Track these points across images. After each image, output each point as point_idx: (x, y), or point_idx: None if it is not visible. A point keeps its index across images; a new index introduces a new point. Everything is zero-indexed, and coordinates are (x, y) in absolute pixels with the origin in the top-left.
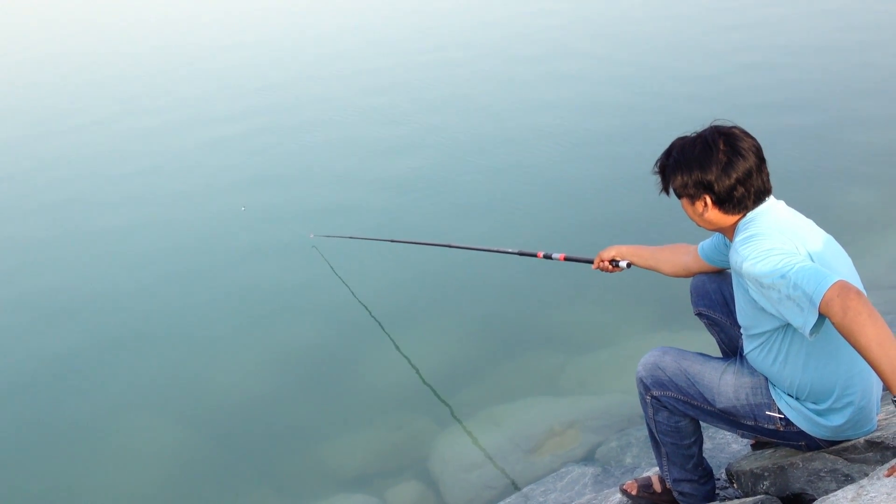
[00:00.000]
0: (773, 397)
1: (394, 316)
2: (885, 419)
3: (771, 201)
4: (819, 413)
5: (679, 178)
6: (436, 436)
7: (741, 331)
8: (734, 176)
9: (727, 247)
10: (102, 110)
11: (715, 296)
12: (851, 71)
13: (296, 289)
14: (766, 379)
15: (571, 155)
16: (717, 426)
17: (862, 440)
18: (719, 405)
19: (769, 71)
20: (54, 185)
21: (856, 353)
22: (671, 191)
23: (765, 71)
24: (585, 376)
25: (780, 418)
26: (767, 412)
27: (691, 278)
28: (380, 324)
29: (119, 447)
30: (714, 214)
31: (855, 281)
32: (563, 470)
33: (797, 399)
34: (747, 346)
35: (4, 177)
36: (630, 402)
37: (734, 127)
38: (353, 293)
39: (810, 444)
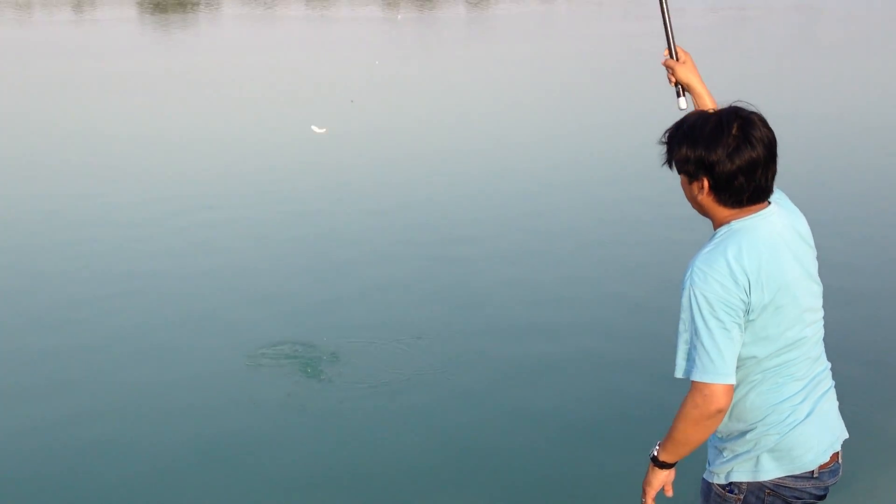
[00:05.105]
0: (711, 480)
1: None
2: None
3: (765, 213)
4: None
5: (683, 151)
6: None
7: None
8: (738, 163)
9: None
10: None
11: None
12: None
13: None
14: (706, 479)
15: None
16: None
17: None
18: None
19: None
20: None
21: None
22: (673, 164)
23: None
24: None
25: (723, 486)
26: (717, 494)
27: None
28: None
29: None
30: (708, 201)
31: (795, 343)
32: None
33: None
34: None
35: None
36: None
37: (754, 113)
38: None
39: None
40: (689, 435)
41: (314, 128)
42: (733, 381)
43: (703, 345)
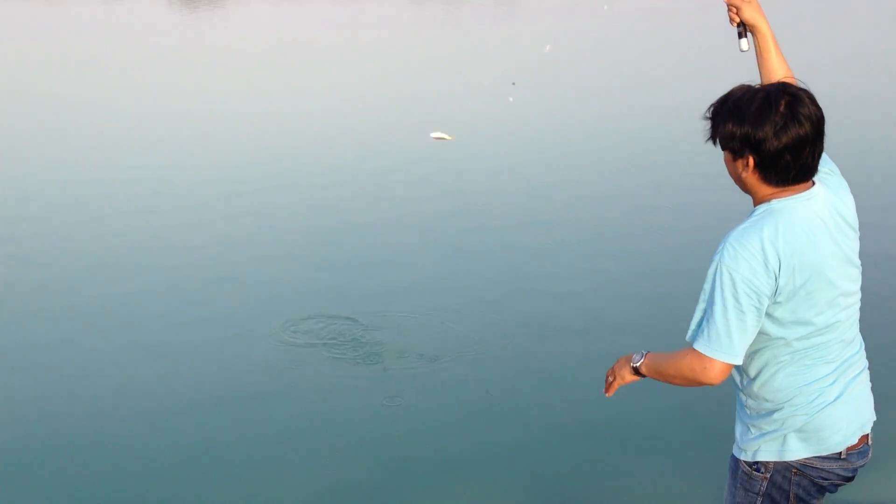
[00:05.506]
0: (739, 456)
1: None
2: None
3: (807, 194)
4: (774, 429)
5: (728, 127)
6: None
7: None
8: (785, 141)
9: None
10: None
11: None
12: None
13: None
14: (734, 456)
15: None
16: None
17: None
18: None
19: None
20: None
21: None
22: (717, 141)
23: None
24: None
25: (750, 464)
26: (744, 471)
27: None
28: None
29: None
30: (752, 179)
31: (823, 329)
32: None
33: (751, 426)
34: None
35: None
36: None
37: (802, 90)
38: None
39: (813, 478)
40: (675, 381)
41: (440, 134)
42: (735, 362)
43: (715, 320)
